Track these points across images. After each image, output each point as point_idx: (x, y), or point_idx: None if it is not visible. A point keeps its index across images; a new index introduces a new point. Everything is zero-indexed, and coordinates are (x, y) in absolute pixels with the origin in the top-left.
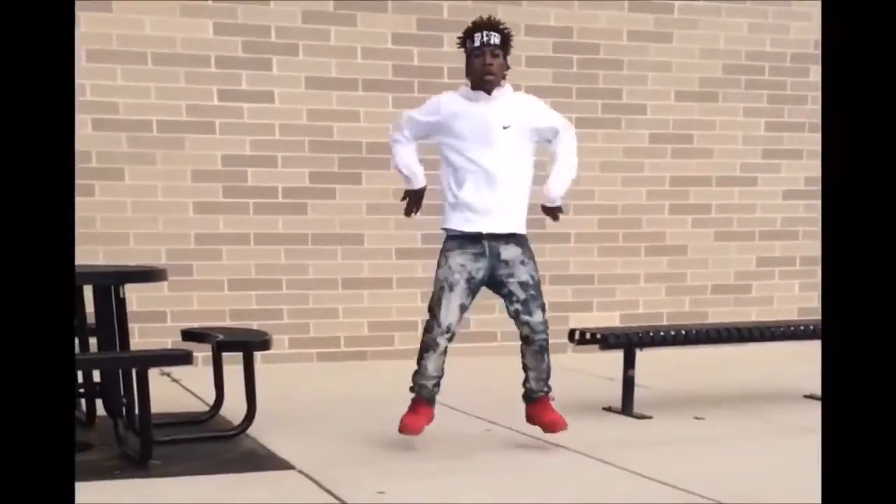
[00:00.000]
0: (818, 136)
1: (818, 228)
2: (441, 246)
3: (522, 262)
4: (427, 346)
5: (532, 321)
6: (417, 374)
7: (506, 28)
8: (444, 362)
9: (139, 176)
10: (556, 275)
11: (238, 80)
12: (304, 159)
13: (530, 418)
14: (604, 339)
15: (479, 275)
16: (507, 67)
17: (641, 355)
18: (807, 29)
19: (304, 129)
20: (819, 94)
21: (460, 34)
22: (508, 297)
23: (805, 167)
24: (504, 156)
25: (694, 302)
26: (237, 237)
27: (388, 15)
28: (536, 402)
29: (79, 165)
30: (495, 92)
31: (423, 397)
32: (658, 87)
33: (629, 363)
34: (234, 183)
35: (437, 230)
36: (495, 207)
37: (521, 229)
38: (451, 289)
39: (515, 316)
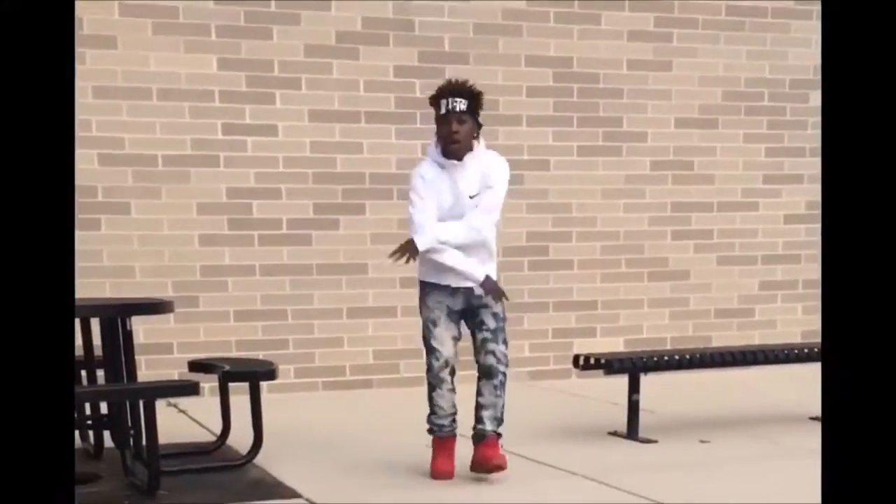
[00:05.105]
0: (818, 160)
1: (819, 252)
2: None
3: (494, 298)
4: (433, 385)
5: (498, 350)
6: (433, 415)
7: (474, 89)
8: (454, 398)
9: (145, 210)
10: (560, 301)
11: (242, 114)
12: (308, 191)
13: (477, 460)
14: (608, 365)
15: (457, 307)
16: (480, 126)
17: (646, 380)
18: (805, 55)
19: (308, 161)
20: (819, 118)
21: (430, 97)
22: (479, 326)
23: (806, 191)
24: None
25: (697, 326)
26: (242, 268)
27: (389, 48)
28: (485, 442)
29: (85, 200)
30: (466, 158)
31: (445, 437)
32: (658, 115)
33: (634, 388)
34: (239, 215)
35: None
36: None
37: (492, 274)
38: (436, 324)
39: (482, 345)
